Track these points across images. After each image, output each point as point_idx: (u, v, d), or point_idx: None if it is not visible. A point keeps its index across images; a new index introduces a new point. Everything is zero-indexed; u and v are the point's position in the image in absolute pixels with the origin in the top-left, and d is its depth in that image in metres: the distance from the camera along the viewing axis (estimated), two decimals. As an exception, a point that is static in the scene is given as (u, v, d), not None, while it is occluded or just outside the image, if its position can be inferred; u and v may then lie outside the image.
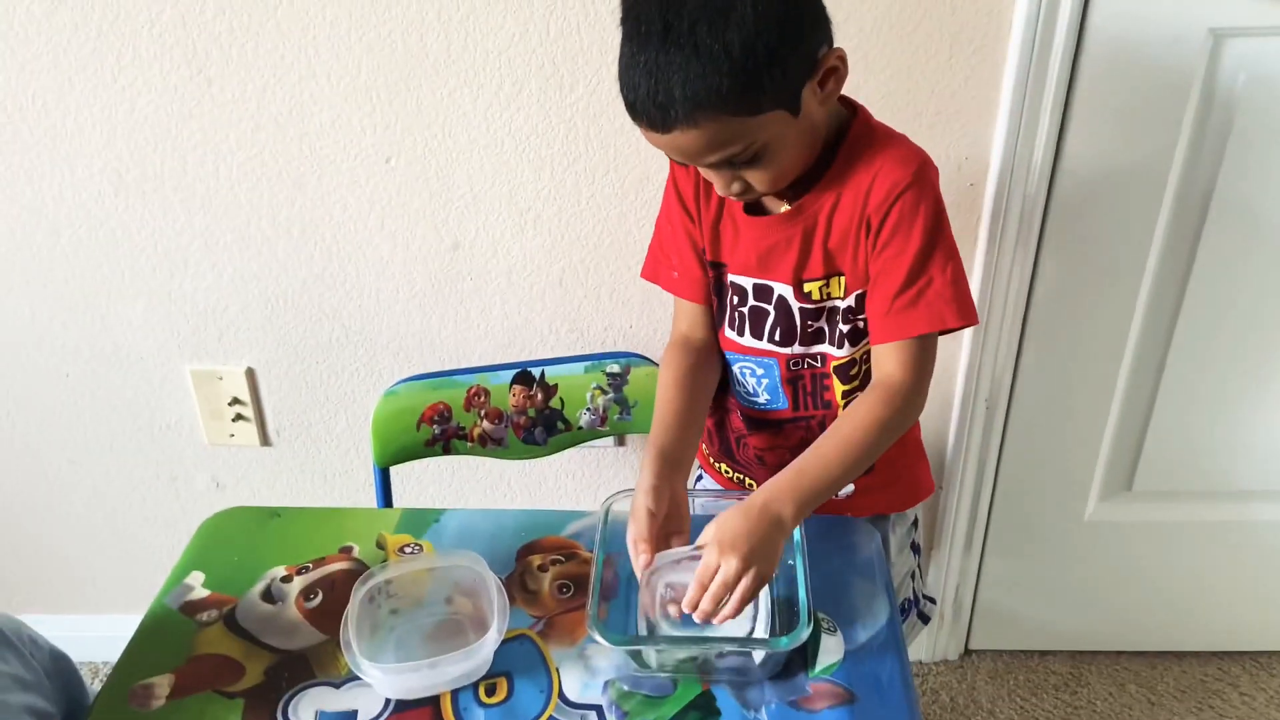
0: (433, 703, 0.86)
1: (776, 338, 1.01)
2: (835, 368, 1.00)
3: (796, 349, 1.01)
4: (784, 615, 0.90)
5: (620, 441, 1.48)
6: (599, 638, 0.83)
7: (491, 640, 0.85)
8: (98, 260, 1.36)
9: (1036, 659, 1.65)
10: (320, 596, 0.97)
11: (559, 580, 0.98)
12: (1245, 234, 1.27)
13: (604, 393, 1.27)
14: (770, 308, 1.00)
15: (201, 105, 1.24)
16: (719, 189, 0.92)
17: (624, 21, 0.83)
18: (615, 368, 1.26)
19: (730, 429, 1.12)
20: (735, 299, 1.02)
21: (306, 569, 1.00)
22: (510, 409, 1.27)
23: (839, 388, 1.01)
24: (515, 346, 1.40)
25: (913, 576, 1.18)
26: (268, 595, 0.97)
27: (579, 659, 0.89)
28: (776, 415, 1.06)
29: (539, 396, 1.27)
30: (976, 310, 0.93)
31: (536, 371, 1.27)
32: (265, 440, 1.51)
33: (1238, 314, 1.33)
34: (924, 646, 1.65)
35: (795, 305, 0.98)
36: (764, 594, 0.90)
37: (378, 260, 1.34)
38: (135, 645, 0.93)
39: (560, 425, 1.29)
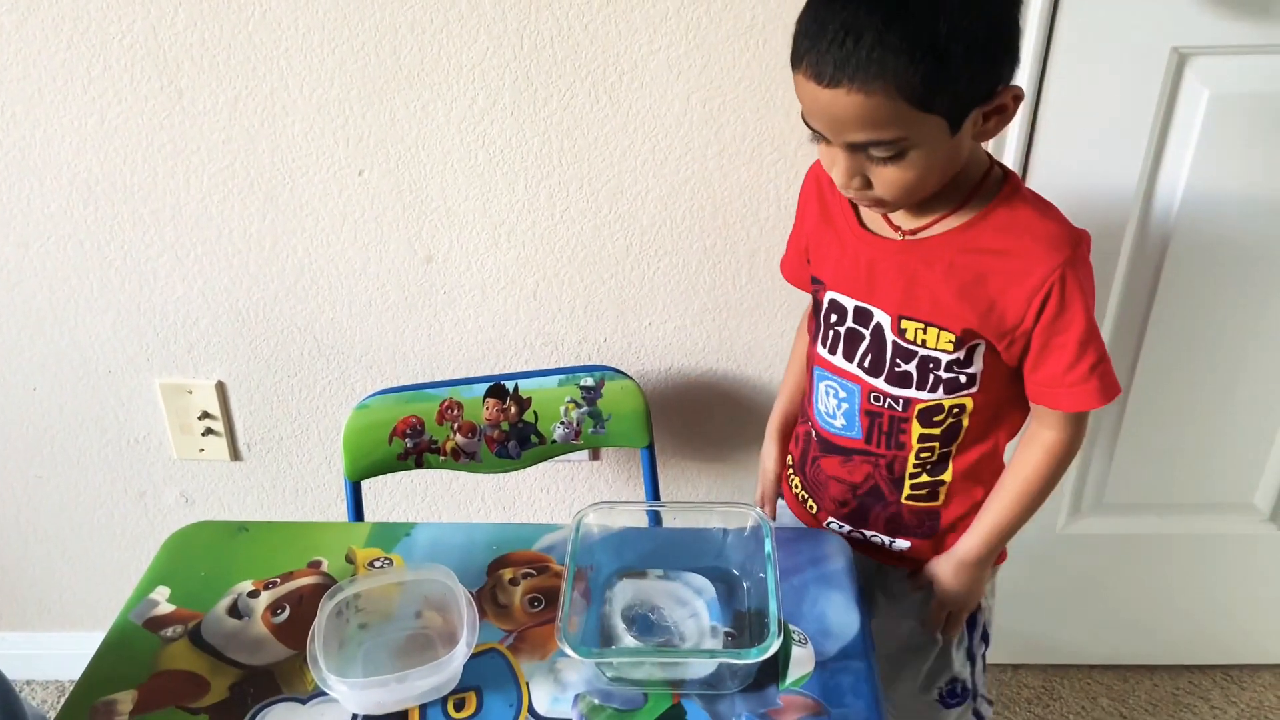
0: (401, 717, 0.85)
1: (867, 364, 1.00)
2: (919, 411, 0.99)
3: (881, 384, 0.99)
4: (755, 627, 0.90)
5: (594, 455, 1.48)
6: (569, 650, 0.82)
7: (460, 654, 0.84)
8: (66, 273, 1.35)
9: (1009, 672, 1.65)
10: (287, 611, 0.96)
11: (530, 594, 0.97)
12: (1209, 249, 1.29)
13: (578, 406, 1.27)
14: (866, 333, 0.98)
15: (173, 117, 1.23)
16: (839, 177, 0.88)
17: None
18: (589, 381, 1.26)
19: (811, 443, 1.11)
20: (834, 316, 1.01)
21: (274, 584, 0.99)
22: (484, 422, 1.27)
23: (917, 430, 1.00)
24: (489, 359, 1.39)
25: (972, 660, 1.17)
26: (234, 610, 0.96)
27: (549, 672, 0.89)
28: (848, 443, 1.05)
29: (512, 410, 1.27)
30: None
31: (510, 384, 1.26)
32: (235, 455, 1.49)
33: (1203, 329, 1.35)
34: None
35: (890, 338, 0.97)
36: (703, 609, 0.92)
37: (350, 273, 1.34)
38: (98, 661, 0.91)
39: (534, 439, 1.28)
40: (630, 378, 1.27)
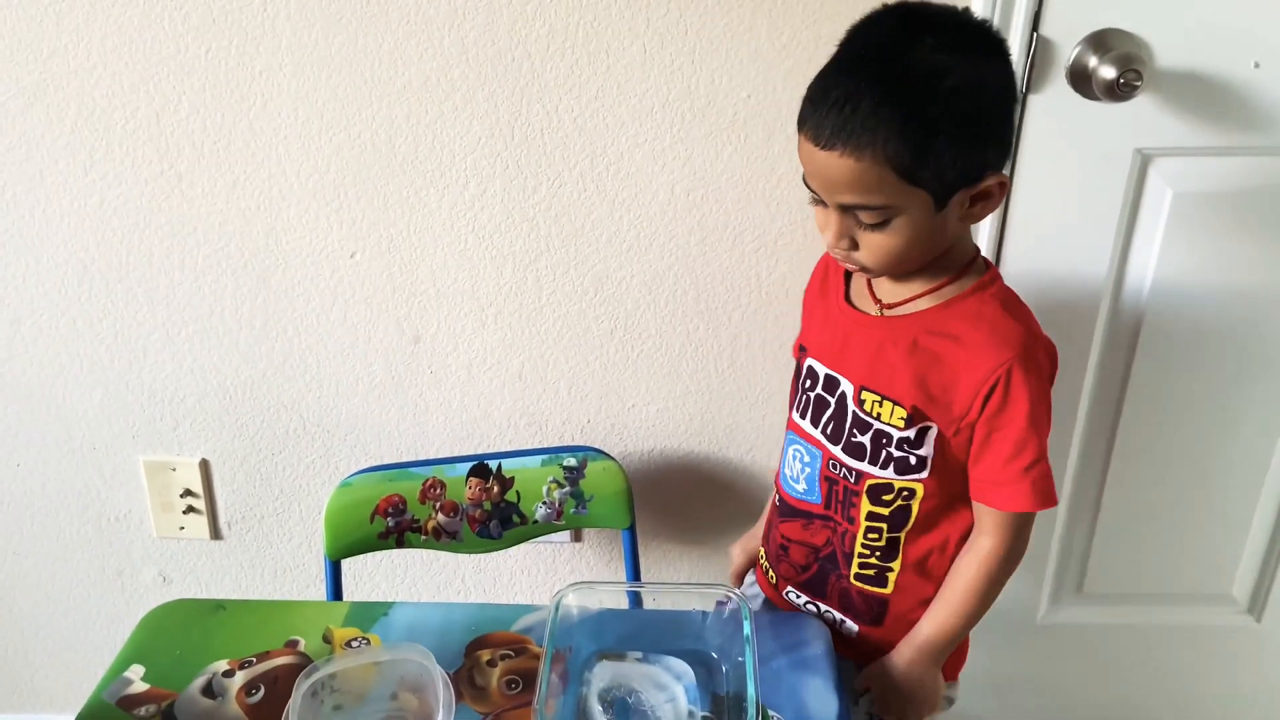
0: (373, 802, 0.84)
1: (829, 431, 1.03)
2: (869, 487, 1.00)
3: (838, 452, 1.02)
4: (733, 711, 0.90)
5: (577, 537, 1.48)
6: (545, 734, 0.82)
7: (435, 736, 0.83)
8: (56, 350, 1.36)
9: (992, 764, 1.63)
10: (262, 691, 0.95)
11: (508, 675, 0.97)
12: (1179, 340, 1.32)
13: (560, 486, 1.28)
14: (832, 400, 1.02)
15: (171, 199, 1.26)
16: (828, 237, 0.93)
17: (842, 49, 0.89)
18: (572, 461, 1.27)
19: (773, 509, 1.14)
20: (809, 382, 1.05)
21: (250, 663, 0.98)
22: (466, 501, 1.27)
23: (865, 507, 1.01)
24: (474, 439, 1.40)
25: None
26: (208, 690, 0.95)
27: (525, 756, 0.88)
28: (809, 507, 1.07)
29: (495, 489, 1.27)
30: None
31: (493, 464, 1.27)
32: (216, 533, 1.49)
33: (1175, 419, 1.37)
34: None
35: (851, 408, 1.00)
36: (681, 693, 0.92)
37: (338, 352, 1.35)
38: (67, 741, 0.90)
39: (516, 519, 1.29)
40: (613, 459, 1.28)
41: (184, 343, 1.35)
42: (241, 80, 1.20)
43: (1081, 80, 1.17)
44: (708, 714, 0.91)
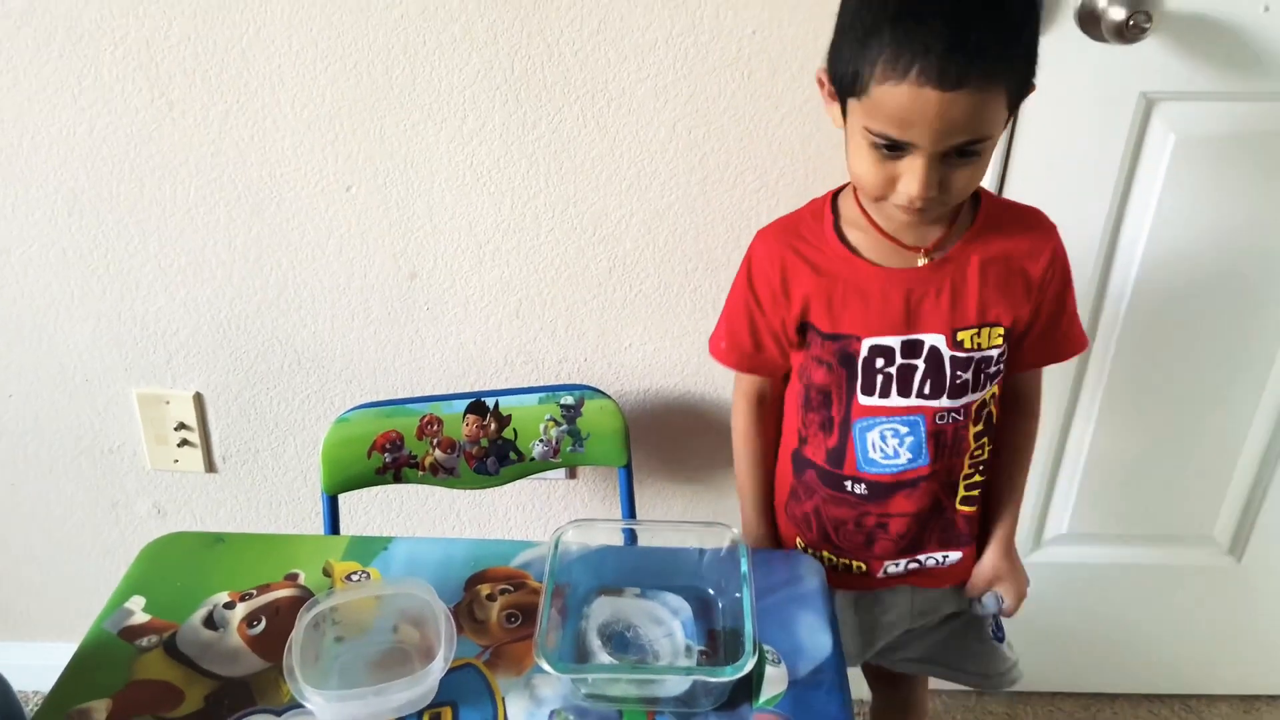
0: (376, 731, 0.85)
1: (926, 391, 1.01)
2: (974, 410, 1.03)
3: (944, 403, 1.01)
4: (729, 646, 0.92)
5: (572, 474, 1.49)
6: (546, 666, 0.83)
7: (437, 668, 0.84)
8: (47, 280, 1.34)
9: (974, 699, 1.67)
10: (264, 623, 0.96)
11: (507, 609, 0.98)
12: (1173, 288, 1.33)
13: (557, 424, 1.28)
14: (920, 362, 1.00)
15: (162, 128, 1.24)
16: (918, 187, 0.86)
17: None
18: (569, 400, 1.28)
19: (825, 517, 1.10)
20: (879, 361, 1.00)
21: (250, 595, 0.99)
22: (463, 438, 1.28)
23: (971, 430, 1.05)
24: (470, 376, 1.40)
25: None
26: (209, 621, 0.96)
27: (525, 688, 0.89)
28: (916, 473, 1.04)
29: (492, 426, 1.28)
30: None
31: (490, 401, 1.28)
32: (210, 466, 1.49)
33: (1167, 365, 1.38)
34: (865, 686, 1.66)
35: (947, 355, 0.99)
36: (679, 628, 0.94)
37: (334, 287, 1.34)
38: (73, 669, 0.91)
39: (513, 456, 1.29)
40: (610, 397, 1.28)
41: (176, 275, 1.34)
42: (233, 5, 1.17)
43: (1090, 22, 1.15)
44: (704, 648, 0.93)
